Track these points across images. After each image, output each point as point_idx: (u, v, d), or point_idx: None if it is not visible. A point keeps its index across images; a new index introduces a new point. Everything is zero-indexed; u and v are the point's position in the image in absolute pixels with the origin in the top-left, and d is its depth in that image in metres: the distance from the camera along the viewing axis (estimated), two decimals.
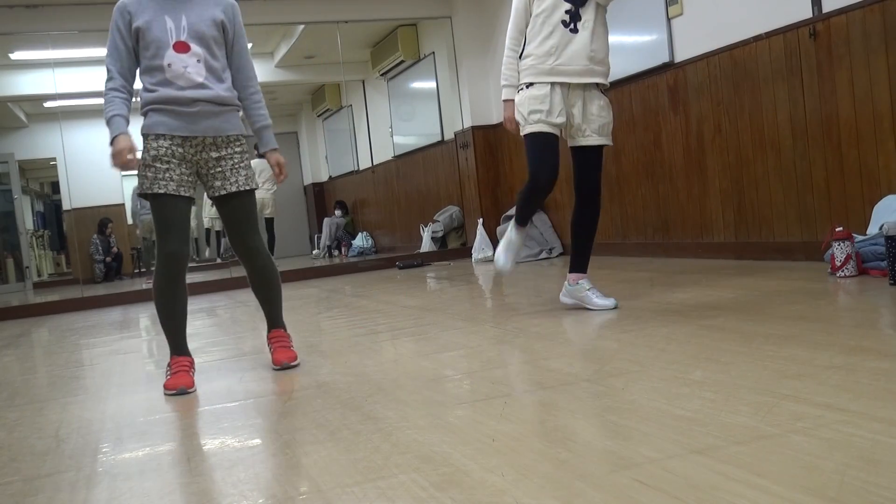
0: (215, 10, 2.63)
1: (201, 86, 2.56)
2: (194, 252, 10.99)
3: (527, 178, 3.28)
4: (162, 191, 2.53)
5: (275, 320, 2.86)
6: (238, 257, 2.76)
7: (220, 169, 2.62)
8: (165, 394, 2.58)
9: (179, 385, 2.56)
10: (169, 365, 2.65)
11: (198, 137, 2.58)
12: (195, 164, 2.61)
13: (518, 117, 3.23)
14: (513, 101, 3.25)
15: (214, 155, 2.61)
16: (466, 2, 7.66)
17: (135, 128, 2.54)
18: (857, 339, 2.20)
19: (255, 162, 9.00)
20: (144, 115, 2.59)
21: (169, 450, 1.91)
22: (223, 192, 2.63)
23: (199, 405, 2.39)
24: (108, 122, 2.53)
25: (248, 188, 2.66)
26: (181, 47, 2.54)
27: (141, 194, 2.58)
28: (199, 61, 2.56)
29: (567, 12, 3.13)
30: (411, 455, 1.59)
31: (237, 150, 2.66)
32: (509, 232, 3.42)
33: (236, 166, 2.64)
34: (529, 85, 3.18)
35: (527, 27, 3.21)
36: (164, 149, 2.55)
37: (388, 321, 3.77)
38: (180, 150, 2.57)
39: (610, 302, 3.26)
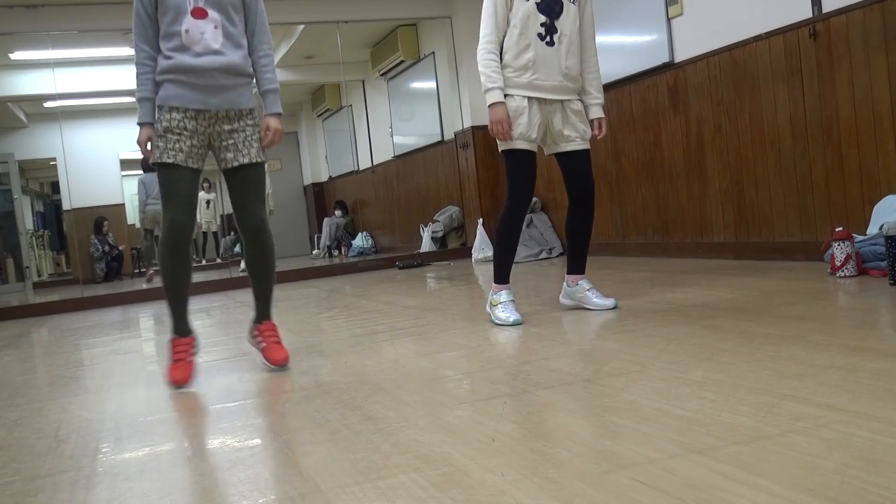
0: None
1: (217, 52, 2.58)
2: (201, 254, 11.01)
3: (505, 199, 3.19)
4: (171, 160, 2.57)
5: (266, 310, 2.84)
6: (242, 232, 2.74)
7: (232, 141, 2.65)
8: (165, 380, 2.62)
9: (177, 379, 2.61)
10: (171, 344, 2.68)
11: (211, 111, 2.61)
12: (207, 136, 2.64)
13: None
14: (502, 103, 3.08)
15: (227, 128, 2.65)
16: (466, 2, 7.66)
17: (135, 130, 2.62)
18: (857, 339, 2.20)
19: None
20: (160, 84, 2.60)
21: (169, 450, 1.91)
22: (235, 164, 2.66)
23: (199, 405, 2.39)
24: (138, 102, 2.60)
25: (259, 160, 2.70)
26: (199, 13, 2.56)
27: (152, 163, 2.61)
28: (216, 27, 2.58)
29: (542, 25, 3.07)
30: (411, 455, 1.59)
31: (249, 122, 2.69)
32: (496, 297, 3.25)
33: (249, 139, 2.68)
34: (505, 96, 3.10)
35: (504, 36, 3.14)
36: (177, 121, 2.58)
37: (388, 321, 3.77)
38: (193, 122, 2.60)
39: (610, 302, 3.26)
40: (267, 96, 2.75)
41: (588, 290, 3.30)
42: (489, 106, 3.10)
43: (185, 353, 2.68)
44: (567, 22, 3.11)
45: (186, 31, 2.55)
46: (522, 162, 3.15)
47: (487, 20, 3.14)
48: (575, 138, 3.19)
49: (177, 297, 2.69)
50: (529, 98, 3.10)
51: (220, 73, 2.59)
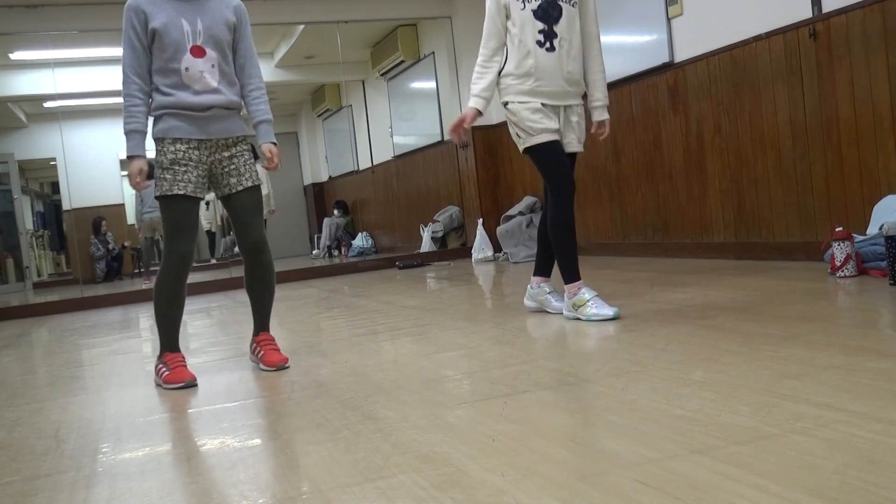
0: (227, 13, 2.69)
1: (216, 91, 2.64)
2: (218, 251, 11.03)
3: (550, 197, 3.13)
4: (182, 192, 2.60)
5: (265, 323, 2.90)
6: (244, 253, 2.77)
7: (233, 166, 2.71)
8: (167, 387, 2.62)
9: (186, 378, 2.62)
10: (163, 361, 2.70)
11: (212, 140, 2.66)
12: (209, 165, 2.69)
13: (519, 132, 3.13)
14: (478, 110, 3.13)
15: (226, 154, 2.71)
16: (466, 2, 7.66)
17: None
18: (857, 339, 2.20)
19: None
20: (157, 118, 2.62)
21: (169, 450, 1.91)
22: (239, 189, 2.72)
23: (199, 405, 2.39)
24: (126, 135, 2.60)
25: (258, 183, 2.78)
26: (198, 52, 2.60)
27: (159, 196, 2.62)
28: (213, 66, 2.64)
29: (541, 31, 3.07)
30: (411, 455, 1.59)
31: (245, 147, 2.77)
32: (581, 297, 3.06)
33: (247, 163, 2.75)
34: (509, 104, 3.14)
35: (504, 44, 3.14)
36: (182, 152, 2.61)
37: (388, 321, 3.77)
38: (196, 152, 2.64)
39: (560, 307, 3.23)
40: (262, 126, 2.80)
41: (549, 293, 3.33)
42: (471, 107, 3.17)
43: (182, 362, 2.71)
44: (566, 25, 3.10)
45: (186, 69, 2.59)
46: (552, 150, 3.11)
47: (486, 28, 3.16)
48: (573, 140, 3.19)
49: (173, 320, 2.73)
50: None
51: (218, 108, 2.67)
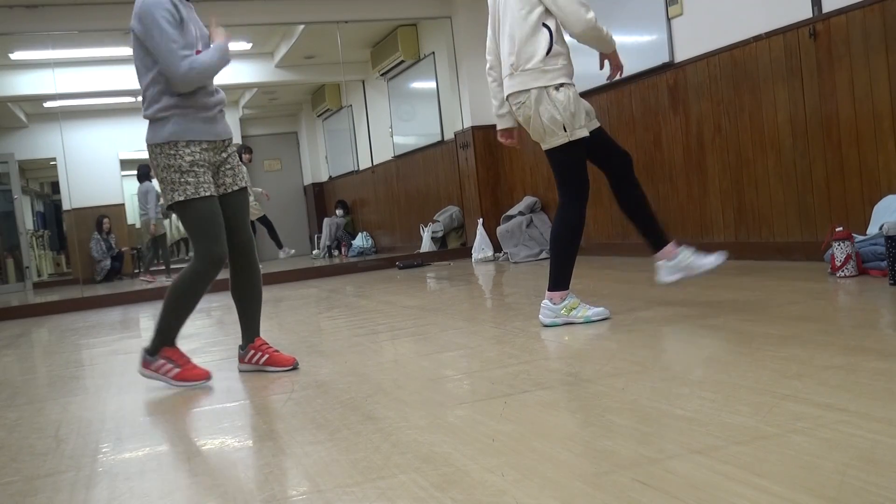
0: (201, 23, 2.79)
1: (217, 90, 2.73)
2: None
3: (566, 199, 3.00)
4: (208, 193, 2.61)
5: (258, 327, 2.83)
6: (235, 253, 2.74)
7: (230, 166, 2.76)
8: (179, 385, 2.59)
9: (203, 374, 2.63)
10: (168, 358, 2.65)
11: (216, 141, 2.69)
12: (216, 166, 2.71)
13: (565, 124, 2.88)
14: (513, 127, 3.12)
15: (224, 155, 2.75)
16: (466, 2, 7.66)
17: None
18: (857, 339, 2.20)
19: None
20: (163, 119, 2.57)
21: (169, 450, 1.91)
22: (234, 189, 2.75)
23: (199, 405, 2.39)
24: (212, 59, 2.59)
25: (247, 184, 2.85)
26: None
27: (183, 201, 2.57)
28: None
29: None
30: (411, 455, 1.59)
31: (233, 149, 2.82)
32: (571, 301, 2.97)
33: (238, 164, 2.82)
34: (562, 86, 2.89)
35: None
36: (198, 154, 2.62)
37: (388, 321, 3.77)
38: (207, 154, 2.66)
39: (711, 261, 3.04)
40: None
41: (692, 254, 3.08)
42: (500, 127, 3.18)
43: (185, 357, 2.69)
44: None
45: None
46: (583, 150, 2.97)
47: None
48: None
49: (187, 318, 2.71)
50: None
51: (221, 105, 2.73)
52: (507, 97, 3.04)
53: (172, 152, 2.57)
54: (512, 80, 2.97)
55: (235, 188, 2.75)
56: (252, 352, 2.78)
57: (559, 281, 2.98)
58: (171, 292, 2.66)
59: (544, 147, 3.01)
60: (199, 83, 2.58)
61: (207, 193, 2.60)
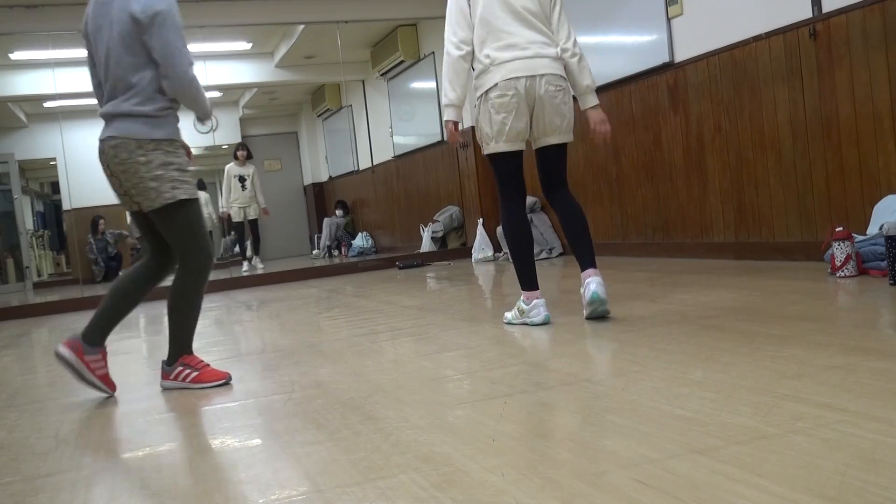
0: None
1: None
2: (217, 251, 11.01)
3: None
4: (196, 196, 2.62)
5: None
6: (163, 258, 2.73)
7: None
8: (204, 387, 2.58)
9: (222, 377, 2.62)
10: (185, 364, 2.63)
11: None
12: None
13: (571, 122, 3.23)
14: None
15: None
16: None
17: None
18: (857, 339, 2.20)
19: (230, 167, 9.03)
20: (162, 118, 2.56)
21: (169, 450, 1.91)
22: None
23: (199, 405, 2.39)
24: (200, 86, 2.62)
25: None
26: None
27: (186, 200, 2.55)
28: None
29: None
30: (411, 455, 1.59)
31: None
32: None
33: None
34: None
35: None
36: (182, 155, 2.64)
37: (388, 321, 3.77)
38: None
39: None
40: None
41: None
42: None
43: (203, 362, 2.67)
44: None
45: None
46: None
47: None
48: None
49: (196, 321, 2.72)
50: None
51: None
52: (543, 75, 3.04)
53: (171, 150, 2.57)
54: (555, 62, 3.09)
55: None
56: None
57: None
58: (173, 302, 2.64)
59: (561, 140, 3.17)
60: (190, 93, 2.56)
61: (196, 196, 2.61)
